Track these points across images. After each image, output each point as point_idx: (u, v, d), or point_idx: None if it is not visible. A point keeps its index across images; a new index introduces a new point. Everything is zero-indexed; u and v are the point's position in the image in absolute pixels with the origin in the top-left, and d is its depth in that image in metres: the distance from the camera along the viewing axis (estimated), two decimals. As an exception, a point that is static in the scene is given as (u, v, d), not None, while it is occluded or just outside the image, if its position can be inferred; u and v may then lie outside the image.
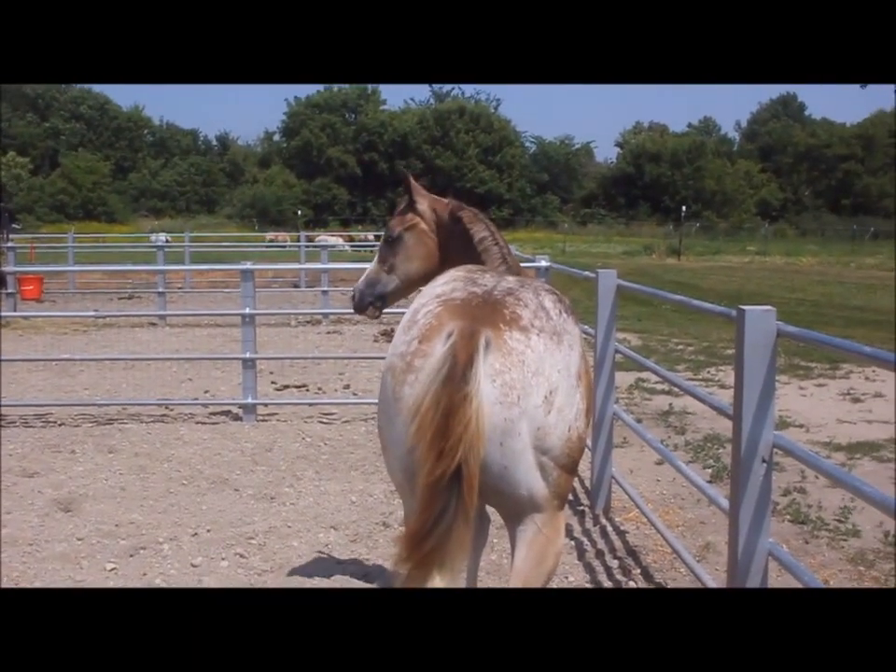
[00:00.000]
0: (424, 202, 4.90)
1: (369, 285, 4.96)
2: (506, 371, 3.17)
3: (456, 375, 3.05)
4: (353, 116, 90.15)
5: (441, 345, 3.19)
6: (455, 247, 4.74)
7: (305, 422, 10.42)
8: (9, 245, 21.98)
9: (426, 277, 4.84)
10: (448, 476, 3.01)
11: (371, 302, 4.98)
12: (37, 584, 5.85)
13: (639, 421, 9.67)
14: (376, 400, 3.67)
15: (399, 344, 3.44)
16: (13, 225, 29.19)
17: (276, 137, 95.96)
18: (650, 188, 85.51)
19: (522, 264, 5.06)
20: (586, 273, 8.40)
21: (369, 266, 5.05)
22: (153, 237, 38.16)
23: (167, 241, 34.51)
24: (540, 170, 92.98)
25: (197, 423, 10.40)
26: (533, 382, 3.19)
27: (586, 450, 6.50)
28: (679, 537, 6.49)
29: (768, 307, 4.06)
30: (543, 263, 9.75)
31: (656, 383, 12.20)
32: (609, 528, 7.01)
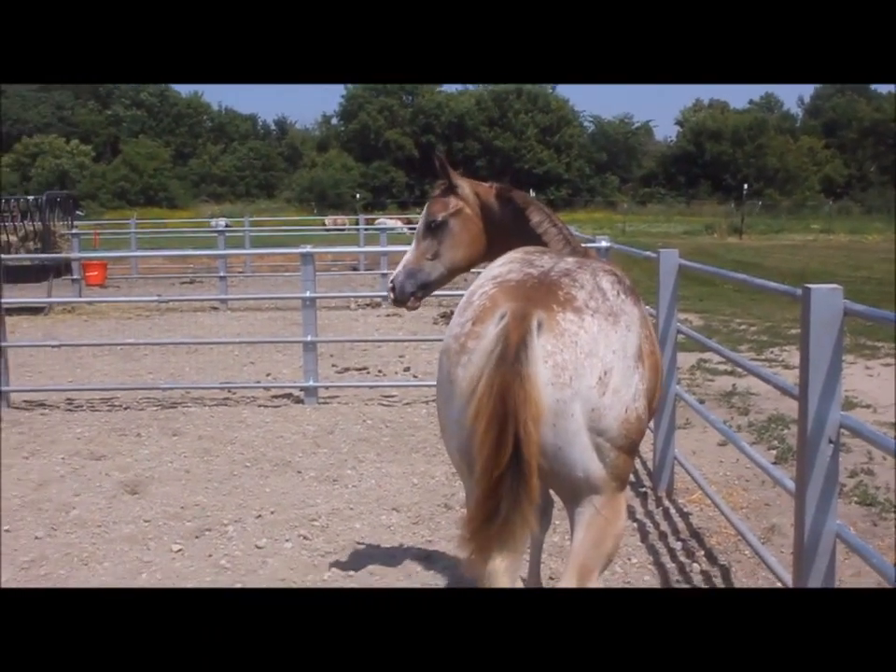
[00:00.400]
0: (465, 185, 4.74)
1: (409, 275, 4.72)
2: (558, 352, 3.15)
3: (509, 356, 3.03)
4: (410, 98, 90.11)
5: (494, 327, 3.17)
6: (502, 231, 4.61)
7: (366, 404, 10.47)
8: (74, 231, 22.33)
9: (470, 264, 4.81)
10: (507, 458, 2.99)
11: (413, 293, 4.74)
12: (106, 565, 5.97)
13: (702, 402, 9.58)
14: (436, 382, 3.65)
15: (455, 326, 3.44)
16: (77, 212, 29.64)
17: (334, 121, 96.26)
18: (710, 166, 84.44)
19: (582, 244, 5.00)
20: (647, 252, 8.33)
21: (406, 254, 4.80)
22: (214, 222, 38.47)
23: (227, 225, 34.78)
24: (599, 150, 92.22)
25: (259, 406, 10.50)
26: (586, 363, 3.16)
27: (648, 431, 6.47)
28: (743, 519, 6.42)
29: (834, 285, 4.00)
30: (603, 244, 9.67)
31: (719, 363, 12.07)
32: (672, 510, 6.96)
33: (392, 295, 4.78)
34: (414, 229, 4.96)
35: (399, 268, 4.77)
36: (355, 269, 26.30)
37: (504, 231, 4.60)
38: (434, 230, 4.70)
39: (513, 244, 4.20)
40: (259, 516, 6.85)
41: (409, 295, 4.76)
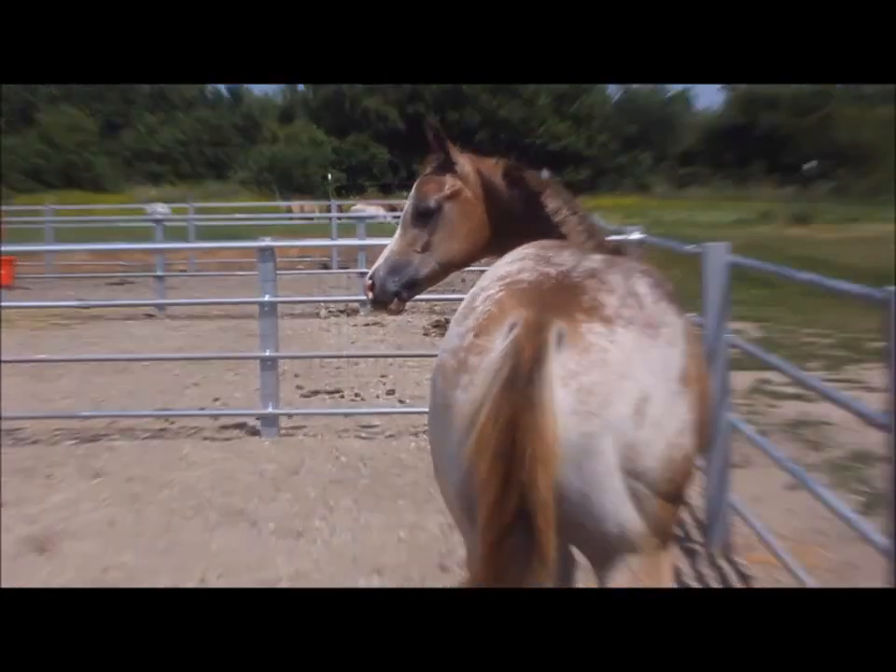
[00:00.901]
0: (465, 161, 4.77)
1: (392, 270, 4.74)
2: (583, 372, 3.13)
3: (520, 377, 3.03)
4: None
5: (502, 340, 3.18)
6: (510, 220, 4.64)
7: (340, 437, 10.50)
8: (-27, 220, 22.33)
9: (468, 259, 4.88)
10: (515, 506, 2.98)
11: (397, 293, 4.77)
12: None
13: (763, 434, 9.51)
14: (427, 409, 3.66)
15: (452, 338, 3.46)
16: (-21, 196, 29.74)
17: (301, 86, 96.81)
18: (766, 140, 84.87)
19: (609, 237, 4.97)
20: (689, 247, 8.32)
21: (389, 244, 4.84)
22: (150, 209, 38.65)
23: (167, 213, 34.83)
24: (628, 121, 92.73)
25: (205, 439, 10.51)
26: (618, 386, 3.15)
27: (697, 472, 6.39)
28: (822, 584, 6.33)
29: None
30: (634, 236, 9.68)
31: (783, 385, 12.10)
32: (730, 572, 6.92)
33: (370, 294, 4.79)
34: (400, 217, 4.94)
35: (381, 261, 4.78)
36: (326, 267, 26.43)
37: (512, 220, 4.63)
38: (425, 216, 4.72)
39: (523, 235, 4.21)
40: (203, 581, 6.77)
41: (391, 295, 4.77)
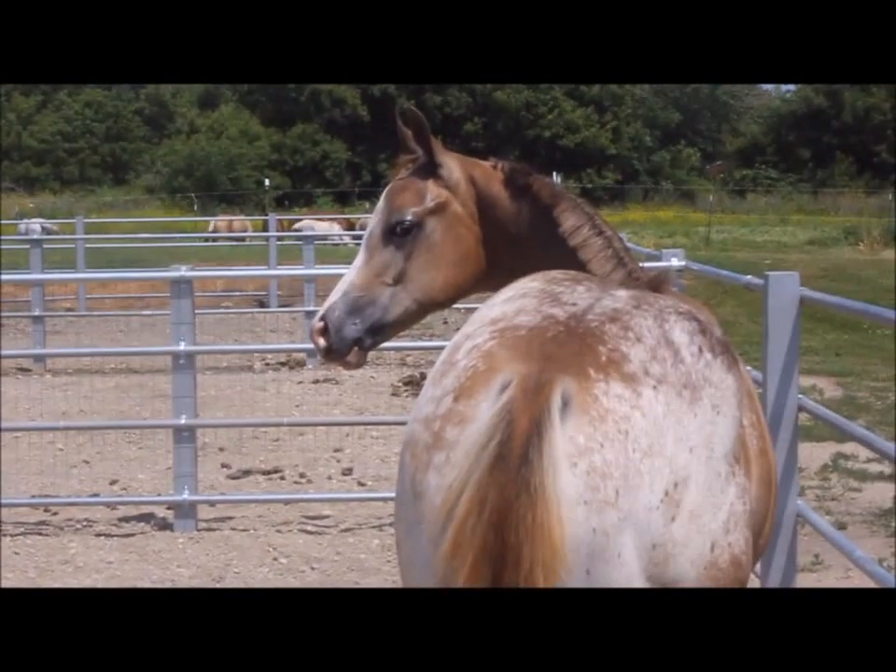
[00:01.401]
0: (454, 164, 4.76)
1: (352, 309, 4.65)
2: (596, 448, 3.12)
3: (512, 456, 3.03)
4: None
5: (489, 405, 3.18)
6: (513, 242, 4.66)
7: (279, 531, 10.50)
8: None
9: (454, 294, 4.85)
10: None
11: (358, 339, 4.68)
12: None
13: (842, 527, 9.56)
14: (394, 494, 3.64)
15: (425, 403, 3.44)
16: None
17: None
18: (853, 131, 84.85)
19: (644, 264, 4.98)
20: (747, 277, 8.32)
21: (347, 274, 4.76)
22: (23, 226, 38.52)
23: (47, 232, 34.77)
24: (668, 107, 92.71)
25: (98, 535, 10.48)
26: (644, 467, 3.14)
27: (753, 578, 6.43)
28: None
29: None
30: (674, 262, 9.70)
31: (869, 461, 12.09)
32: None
33: (322, 342, 4.71)
34: (363, 237, 4.91)
35: (336, 297, 4.72)
36: (262, 304, 26.32)
37: (514, 243, 4.66)
38: (399, 236, 4.68)
39: (528, 263, 4.22)
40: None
41: (350, 342, 4.70)
